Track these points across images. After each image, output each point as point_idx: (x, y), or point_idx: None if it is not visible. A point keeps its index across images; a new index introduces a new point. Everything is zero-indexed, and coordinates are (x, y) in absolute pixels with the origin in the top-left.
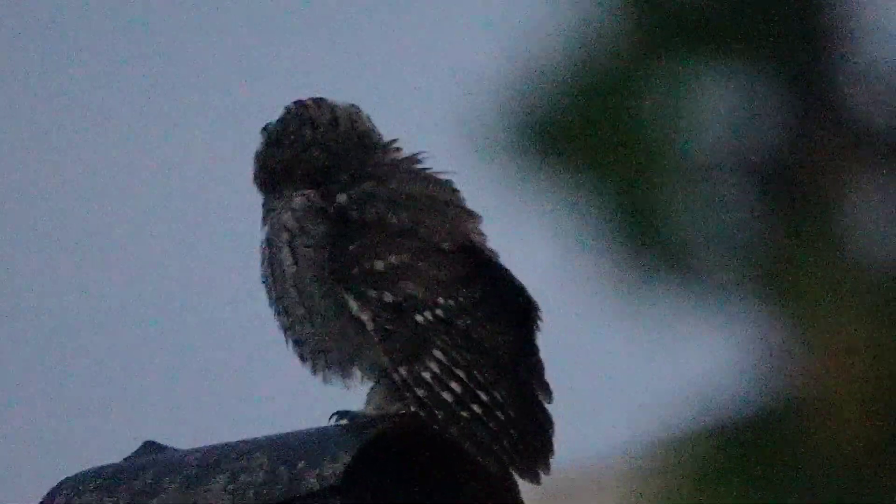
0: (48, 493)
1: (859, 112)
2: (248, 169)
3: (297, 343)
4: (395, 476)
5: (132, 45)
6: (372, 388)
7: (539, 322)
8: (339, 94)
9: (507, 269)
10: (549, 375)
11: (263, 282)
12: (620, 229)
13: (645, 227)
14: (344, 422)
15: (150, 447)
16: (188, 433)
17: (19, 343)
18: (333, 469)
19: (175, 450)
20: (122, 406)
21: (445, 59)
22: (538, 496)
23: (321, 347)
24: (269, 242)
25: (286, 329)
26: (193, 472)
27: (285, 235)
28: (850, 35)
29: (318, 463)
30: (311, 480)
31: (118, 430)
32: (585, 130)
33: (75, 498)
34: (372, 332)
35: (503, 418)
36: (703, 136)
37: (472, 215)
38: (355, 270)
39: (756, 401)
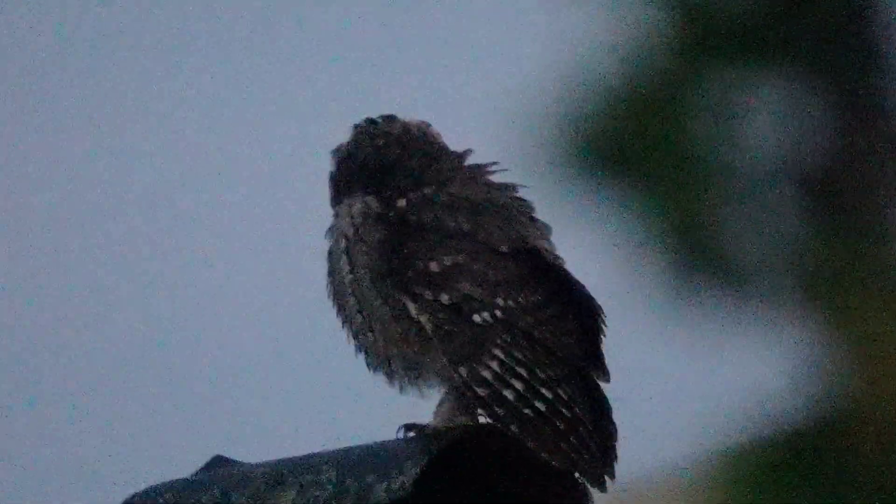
0: None
1: None
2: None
3: (362, 352)
4: (463, 488)
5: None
6: (440, 401)
7: (604, 327)
8: (394, 110)
9: (570, 274)
10: (606, 387)
11: (329, 293)
12: (672, 240)
13: (697, 238)
14: (411, 434)
15: (218, 462)
16: (256, 447)
17: (89, 357)
18: (402, 482)
19: (243, 464)
20: (190, 421)
21: (499, 75)
22: None
23: (384, 354)
24: (330, 253)
25: (354, 339)
26: (261, 486)
27: (343, 243)
28: None
29: (387, 476)
30: (380, 494)
31: (187, 445)
32: (636, 143)
33: None
34: (431, 334)
35: (569, 416)
36: (753, 148)
37: (535, 222)
38: (411, 273)
39: (810, 410)
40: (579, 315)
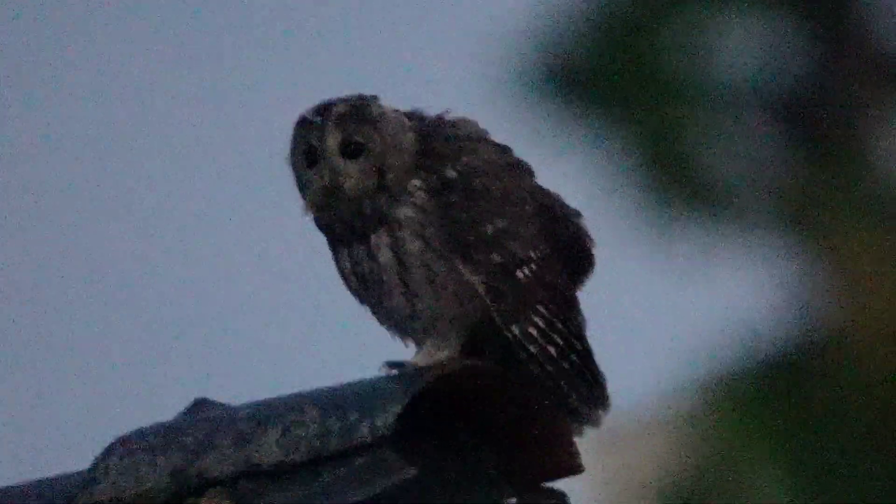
0: (101, 453)
1: (884, 43)
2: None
3: (415, 320)
4: (448, 423)
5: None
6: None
7: (587, 278)
8: (358, 51)
9: (574, 221)
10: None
11: (356, 279)
12: (649, 167)
13: (673, 165)
14: (394, 371)
15: (200, 404)
16: (239, 389)
17: (67, 300)
18: (385, 419)
19: (226, 406)
20: (171, 364)
21: (475, 5)
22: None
23: (435, 317)
24: (381, 244)
25: (400, 317)
26: (245, 427)
27: (408, 227)
28: None
29: (370, 414)
30: (364, 432)
31: (169, 388)
32: (611, 71)
33: (128, 457)
34: (484, 294)
35: (595, 367)
36: (728, 73)
37: (532, 174)
38: (470, 237)
39: (790, 337)
40: (575, 265)
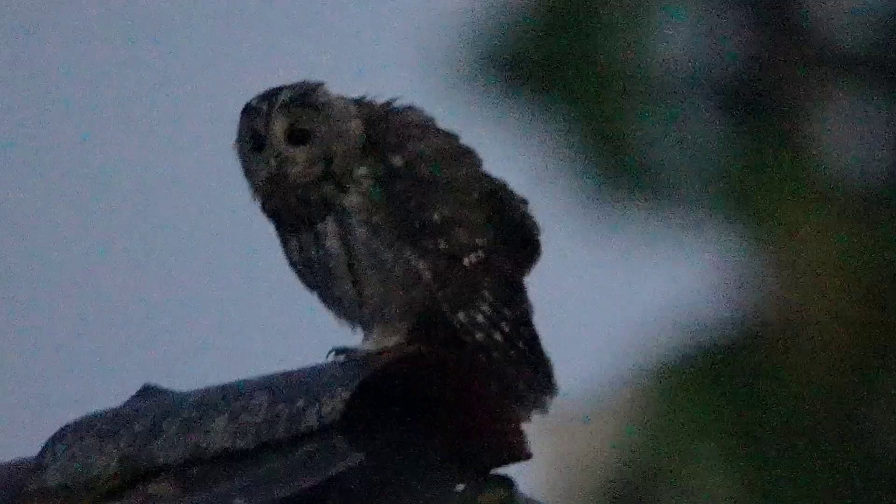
0: (49, 440)
1: (824, 26)
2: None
3: (363, 307)
4: (396, 410)
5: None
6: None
7: (533, 265)
8: (297, 31)
9: (521, 208)
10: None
11: (303, 266)
12: (590, 153)
13: (615, 150)
14: (342, 358)
15: (148, 391)
16: (186, 376)
17: (14, 285)
18: (333, 406)
19: (173, 392)
20: (119, 351)
21: None
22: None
23: (382, 304)
24: (328, 231)
25: (348, 304)
26: (193, 413)
27: (355, 215)
28: None
29: (318, 400)
30: (311, 418)
31: (116, 375)
32: (552, 56)
33: (76, 444)
34: (430, 281)
35: (542, 352)
36: (669, 58)
37: (479, 161)
38: (416, 224)
39: (730, 322)
40: (521, 250)
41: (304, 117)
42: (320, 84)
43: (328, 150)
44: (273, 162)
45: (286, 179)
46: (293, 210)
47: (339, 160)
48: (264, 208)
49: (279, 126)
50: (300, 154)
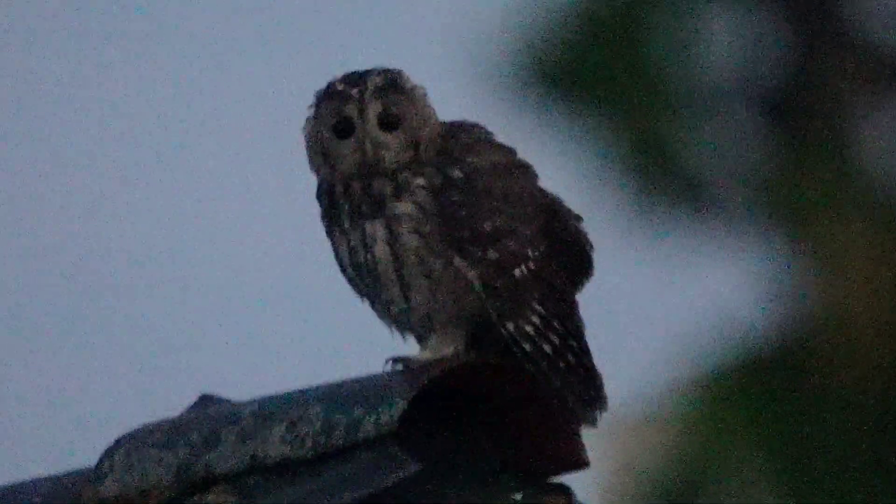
0: (107, 450)
1: (866, 35)
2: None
3: (412, 315)
4: (453, 419)
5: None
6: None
7: (586, 281)
8: (340, 48)
9: (574, 224)
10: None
11: (353, 270)
12: (633, 162)
13: (657, 159)
14: (399, 367)
15: (205, 400)
16: (243, 385)
17: (71, 298)
18: (390, 415)
19: (231, 402)
20: (177, 360)
21: (456, 5)
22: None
23: (429, 312)
24: (376, 235)
25: (397, 311)
26: (250, 423)
27: (406, 223)
28: None
29: (375, 409)
30: (369, 427)
31: (174, 384)
32: (594, 65)
33: (134, 453)
34: (480, 290)
35: (589, 365)
36: (711, 67)
37: (534, 175)
38: (466, 233)
39: (776, 333)
40: (575, 265)
41: (396, 102)
42: (400, 70)
43: (416, 136)
44: (369, 148)
45: (380, 165)
46: (372, 196)
47: (425, 145)
48: (320, 191)
49: (373, 111)
50: (392, 140)
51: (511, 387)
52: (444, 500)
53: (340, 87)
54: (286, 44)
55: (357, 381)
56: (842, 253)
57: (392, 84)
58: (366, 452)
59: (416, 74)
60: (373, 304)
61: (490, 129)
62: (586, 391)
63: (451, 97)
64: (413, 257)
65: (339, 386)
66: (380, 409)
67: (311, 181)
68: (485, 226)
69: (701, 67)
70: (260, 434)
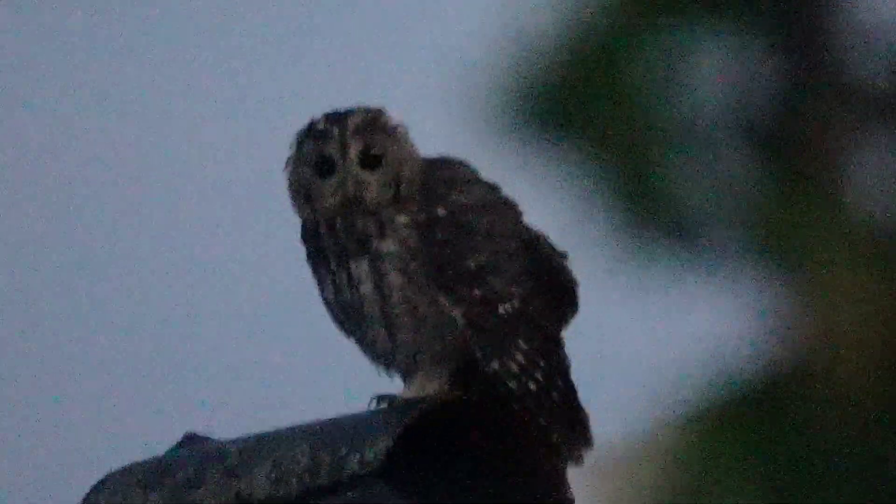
0: (91, 490)
1: (856, 71)
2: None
3: (397, 353)
4: (439, 456)
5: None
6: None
7: (571, 319)
8: (326, 77)
9: (559, 261)
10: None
11: (339, 309)
12: (622, 197)
13: (646, 194)
14: (384, 405)
15: (190, 439)
16: (228, 424)
17: (55, 338)
18: (376, 453)
19: (215, 440)
20: (160, 400)
21: (439, 38)
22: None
23: (415, 351)
24: (361, 274)
25: (382, 349)
26: (235, 461)
27: (390, 262)
28: None
29: (360, 447)
30: (354, 465)
31: (158, 424)
32: (584, 97)
33: (119, 493)
34: (464, 328)
35: (577, 404)
36: (701, 103)
37: (519, 212)
38: (450, 271)
39: (766, 365)
40: (560, 301)
41: (377, 141)
42: (382, 108)
43: (398, 174)
44: (350, 186)
45: (361, 204)
46: (356, 235)
47: (406, 183)
48: (305, 231)
49: (354, 150)
50: (373, 178)
51: (496, 424)
52: None
53: (321, 126)
54: (276, 78)
55: (342, 419)
56: (831, 288)
57: (373, 123)
58: (351, 491)
59: (403, 111)
60: (359, 343)
61: (476, 165)
62: (572, 429)
63: (437, 133)
64: (398, 295)
65: (325, 424)
66: (365, 448)
67: (293, 220)
68: (469, 263)
69: (692, 103)
70: (246, 472)
